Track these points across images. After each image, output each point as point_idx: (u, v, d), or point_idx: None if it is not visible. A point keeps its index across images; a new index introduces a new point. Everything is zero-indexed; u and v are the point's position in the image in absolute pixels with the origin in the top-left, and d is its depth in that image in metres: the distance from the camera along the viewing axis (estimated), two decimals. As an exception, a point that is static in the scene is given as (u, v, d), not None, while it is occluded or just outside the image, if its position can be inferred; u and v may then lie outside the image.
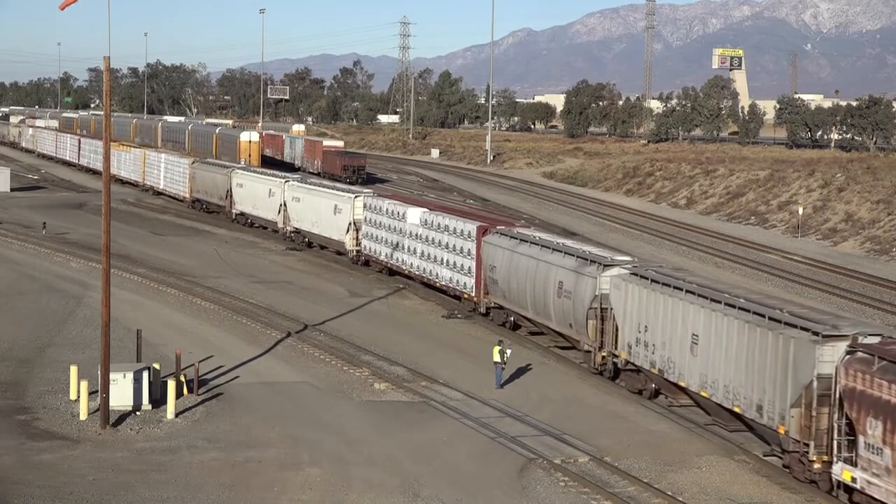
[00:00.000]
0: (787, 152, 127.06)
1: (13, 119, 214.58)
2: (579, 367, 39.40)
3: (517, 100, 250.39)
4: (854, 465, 26.06)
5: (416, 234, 51.95)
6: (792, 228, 78.42)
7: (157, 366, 34.46)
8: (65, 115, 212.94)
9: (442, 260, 49.55)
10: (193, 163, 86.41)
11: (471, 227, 47.62)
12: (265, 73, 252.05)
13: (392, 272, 55.78)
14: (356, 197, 59.42)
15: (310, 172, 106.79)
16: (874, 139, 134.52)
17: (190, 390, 34.52)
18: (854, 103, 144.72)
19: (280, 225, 68.71)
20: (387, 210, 55.36)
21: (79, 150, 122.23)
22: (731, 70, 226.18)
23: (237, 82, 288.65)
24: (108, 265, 32.03)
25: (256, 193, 72.94)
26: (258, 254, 65.12)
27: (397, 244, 53.96)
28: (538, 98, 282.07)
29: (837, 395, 26.58)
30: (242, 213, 75.51)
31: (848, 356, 26.55)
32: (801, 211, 78.64)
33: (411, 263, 52.56)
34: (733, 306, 30.76)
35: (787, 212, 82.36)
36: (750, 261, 65.42)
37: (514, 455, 29.91)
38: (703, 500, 27.22)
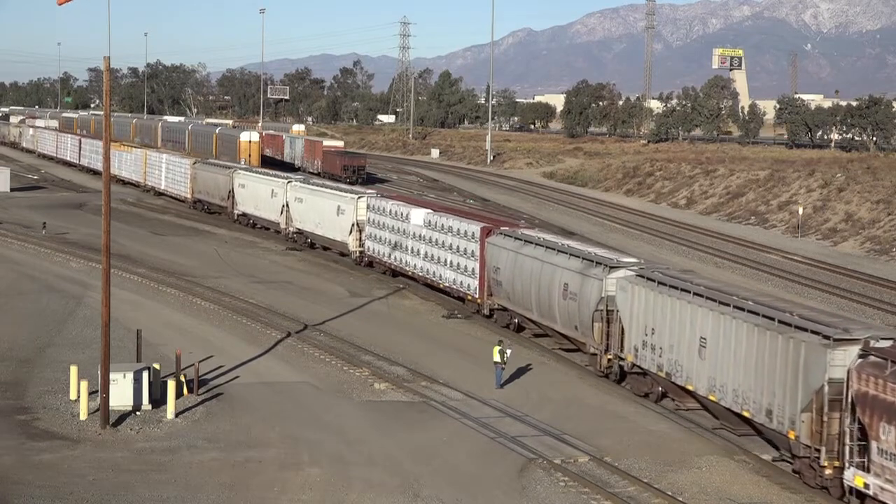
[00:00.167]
0: (787, 152, 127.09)
1: (13, 119, 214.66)
2: (579, 368, 39.38)
3: (517, 100, 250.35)
4: (867, 470, 25.71)
5: (420, 236, 51.74)
6: (792, 228, 78.42)
7: (157, 366, 34.46)
8: (65, 115, 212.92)
9: (445, 261, 49.32)
10: (195, 163, 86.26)
11: (474, 228, 47.35)
12: (265, 73, 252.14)
13: (395, 273, 55.62)
14: (359, 198, 59.17)
15: (310, 172, 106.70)
16: (874, 139, 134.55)
17: (190, 390, 34.52)
18: (854, 103, 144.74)
19: (282, 226, 68.57)
20: (390, 211, 55.13)
21: (80, 150, 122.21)
22: (731, 70, 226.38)
23: (237, 82, 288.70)
24: (108, 265, 32.03)
25: (259, 194, 72.84)
26: (258, 254, 65.13)
27: (401, 245, 53.78)
28: (538, 98, 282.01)
29: (849, 400, 26.25)
30: (244, 214, 75.43)
31: (860, 360, 26.21)
32: (801, 211, 78.65)
33: (415, 265, 52.32)
34: (742, 309, 30.40)
35: (787, 212, 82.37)
36: (750, 261, 65.41)
37: (514, 455, 29.90)
38: (703, 500, 27.21)
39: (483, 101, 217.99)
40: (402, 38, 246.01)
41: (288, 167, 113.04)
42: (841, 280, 59.34)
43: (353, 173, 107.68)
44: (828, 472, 26.97)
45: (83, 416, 31.83)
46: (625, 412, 34.38)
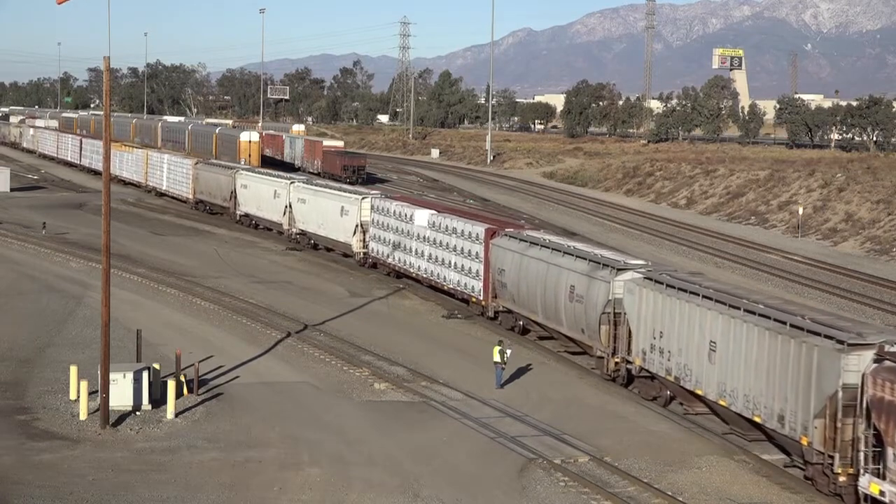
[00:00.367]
0: (787, 152, 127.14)
1: (13, 119, 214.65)
2: (579, 368, 39.36)
3: (517, 100, 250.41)
4: (882, 477, 25.26)
5: (424, 237, 51.47)
6: (792, 228, 78.42)
7: (157, 366, 34.46)
8: (64, 115, 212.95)
9: (449, 263, 49.00)
10: (196, 164, 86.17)
11: (479, 229, 46.98)
12: (265, 73, 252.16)
13: (399, 275, 55.41)
14: (363, 199, 58.87)
15: (310, 172, 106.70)
16: (874, 139, 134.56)
17: (190, 390, 34.52)
18: (854, 103, 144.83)
19: (285, 227, 68.41)
20: (394, 212, 54.85)
21: (80, 150, 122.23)
22: (731, 70, 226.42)
23: (237, 82, 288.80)
24: (108, 265, 32.03)
25: (261, 195, 72.70)
26: (258, 254, 65.13)
27: (405, 246, 53.48)
28: (538, 98, 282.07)
29: (864, 406, 25.84)
30: (247, 215, 75.33)
31: (875, 365, 25.77)
32: (801, 211, 78.65)
33: (419, 266, 52.02)
34: (753, 313, 29.92)
35: (787, 212, 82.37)
36: (750, 261, 65.40)
37: (514, 455, 29.89)
38: (703, 500, 27.20)
39: (483, 101, 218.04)
40: (402, 38, 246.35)
41: (288, 167, 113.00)
42: (841, 280, 59.34)
43: (353, 173, 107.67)
44: (841, 479, 26.51)
45: (83, 416, 31.83)
46: (625, 412, 34.37)
